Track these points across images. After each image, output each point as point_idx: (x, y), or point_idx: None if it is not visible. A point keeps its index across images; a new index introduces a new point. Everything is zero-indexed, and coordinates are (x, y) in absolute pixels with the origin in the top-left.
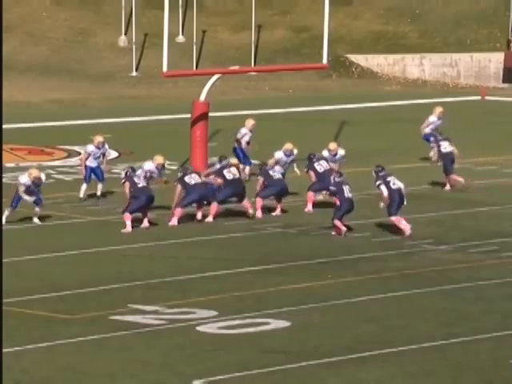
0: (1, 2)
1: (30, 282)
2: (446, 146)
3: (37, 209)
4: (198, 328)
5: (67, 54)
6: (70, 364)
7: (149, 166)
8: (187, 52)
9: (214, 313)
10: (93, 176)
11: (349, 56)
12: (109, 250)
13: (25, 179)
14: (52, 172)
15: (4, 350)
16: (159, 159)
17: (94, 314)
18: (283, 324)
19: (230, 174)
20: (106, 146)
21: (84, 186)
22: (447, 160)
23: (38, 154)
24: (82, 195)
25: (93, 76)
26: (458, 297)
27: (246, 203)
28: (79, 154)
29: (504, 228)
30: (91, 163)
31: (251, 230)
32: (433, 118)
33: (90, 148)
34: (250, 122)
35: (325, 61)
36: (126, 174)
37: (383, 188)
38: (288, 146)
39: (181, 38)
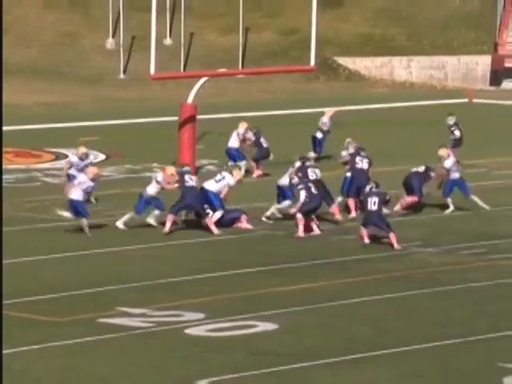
0: (1, 4)
1: (19, 285)
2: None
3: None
4: (187, 331)
5: (56, 57)
6: (62, 366)
7: (229, 180)
8: (175, 54)
9: (202, 315)
10: None
11: (336, 58)
12: (99, 253)
13: (160, 177)
14: (39, 175)
15: None
16: (239, 174)
17: (84, 317)
18: (273, 326)
19: (314, 174)
20: (91, 157)
21: None
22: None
23: (25, 157)
24: None
25: (81, 78)
26: (448, 299)
27: (334, 208)
28: (67, 156)
29: (493, 230)
30: (74, 173)
31: (244, 232)
32: (325, 119)
33: (73, 159)
34: (243, 125)
35: (312, 63)
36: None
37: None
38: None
39: (168, 41)
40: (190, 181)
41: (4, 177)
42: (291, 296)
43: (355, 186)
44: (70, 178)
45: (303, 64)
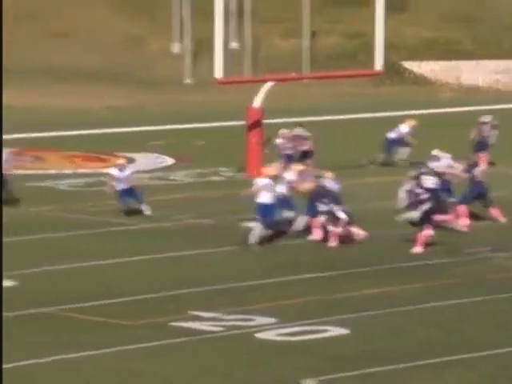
0: (1, 4)
1: (91, 288)
2: None
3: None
4: (257, 335)
5: (122, 61)
6: (130, 370)
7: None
8: (241, 58)
9: (273, 319)
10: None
11: (402, 62)
12: (171, 256)
13: (291, 176)
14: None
15: (65, 356)
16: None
17: (156, 320)
18: (346, 330)
19: (429, 182)
20: (129, 168)
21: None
22: None
23: (93, 161)
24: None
25: (148, 82)
26: None
27: (494, 211)
28: (134, 160)
29: None
30: (119, 187)
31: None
32: (406, 129)
33: (113, 172)
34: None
35: (378, 67)
36: None
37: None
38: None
39: (235, 45)
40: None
41: (73, 181)
42: (364, 300)
43: (475, 195)
44: (121, 193)
45: (369, 68)
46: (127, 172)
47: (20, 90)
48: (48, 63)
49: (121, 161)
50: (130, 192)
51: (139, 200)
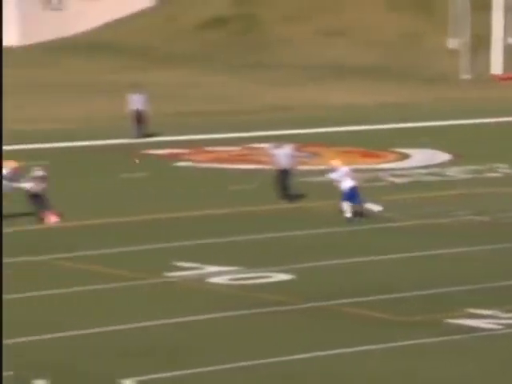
0: (0, 5)
1: (367, 284)
2: None
3: None
4: None
5: (399, 58)
6: (403, 367)
7: None
8: None
9: None
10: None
11: None
12: (445, 253)
13: None
14: (383, 175)
15: (339, 351)
16: None
17: (430, 317)
18: None
19: None
20: (343, 169)
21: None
22: None
23: (369, 157)
24: (348, 215)
25: (424, 79)
26: None
27: None
28: (408, 156)
29: None
30: (344, 185)
31: None
32: None
33: (333, 175)
34: None
35: None
36: None
37: None
38: None
39: None
40: None
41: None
42: None
43: None
44: (345, 193)
45: None
46: (342, 171)
47: (294, 88)
48: (323, 61)
49: (335, 162)
50: (353, 191)
51: (358, 200)
